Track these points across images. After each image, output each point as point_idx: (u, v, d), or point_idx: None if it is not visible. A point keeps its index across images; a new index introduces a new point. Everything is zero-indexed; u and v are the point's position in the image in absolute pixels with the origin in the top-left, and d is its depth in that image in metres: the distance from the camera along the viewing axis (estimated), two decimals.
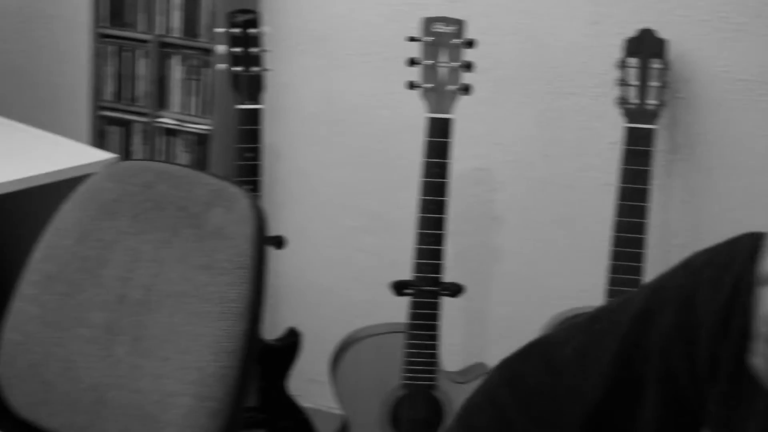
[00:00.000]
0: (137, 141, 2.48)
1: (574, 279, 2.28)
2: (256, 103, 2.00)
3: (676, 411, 1.01)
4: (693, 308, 0.97)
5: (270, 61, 2.07)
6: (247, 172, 2.03)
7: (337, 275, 2.50)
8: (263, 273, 1.52)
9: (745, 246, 0.83)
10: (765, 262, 0.75)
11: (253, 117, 2.01)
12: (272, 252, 2.48)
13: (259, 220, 1.50)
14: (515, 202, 2.32)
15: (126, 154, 2.46)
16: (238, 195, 1.49)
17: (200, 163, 2.45)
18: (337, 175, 2.42)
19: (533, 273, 2.33)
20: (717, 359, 0.94)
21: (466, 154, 2.30)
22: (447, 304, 2.39)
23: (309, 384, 2.52)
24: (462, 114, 2.23)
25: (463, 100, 1.98)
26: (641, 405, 1.02)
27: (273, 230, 2.36)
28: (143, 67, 2.42)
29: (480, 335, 2.43)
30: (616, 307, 1.07)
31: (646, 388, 1.02)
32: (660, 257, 2.14)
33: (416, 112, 1.98)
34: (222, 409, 1.43)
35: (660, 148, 2.14)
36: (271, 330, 2.35)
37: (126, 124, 2.48)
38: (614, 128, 2.04)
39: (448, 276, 2.10)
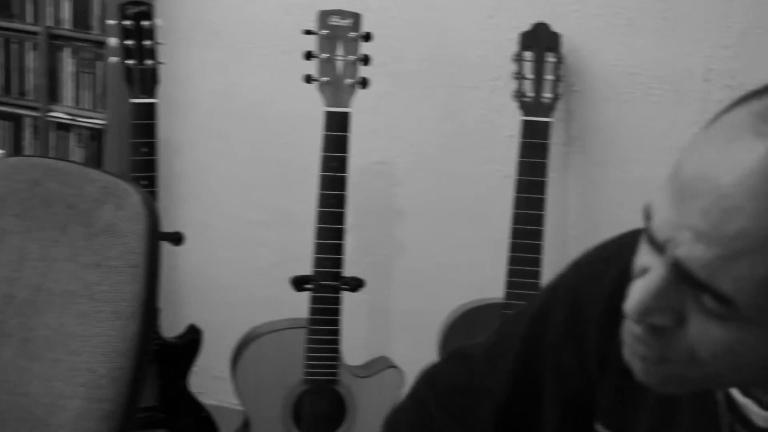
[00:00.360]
0: (28, 136, 2.40)
1: (476, 271, 2.30)
2: (151, 97, 1.96)
3: (572, 407, 1.03)
4: (580, 305, 1.00)
5: (165, 54, 2.03)
6: (143, 167, 1.99)
7: (239, 271, 2.47)
8: (156, 271, 1.48)
9: (629, 241, 0.84)
10: (638, 257, 0.76)
11: (148, 111, 1.97)
12: (171, 249, 2.43)
13: (152, 217, 1.46)
14: (417, 196, 2.33)
15: (16, 149, 2.39)
16: (129, 191, 1.45)
17: (95, 159, 2.39)
18: (237, 170, 2.38)
19: (435, 266, 2.34)
20: (605, 354, 0.96)
21: (367, 148, 2.30)
22: (350, 298, 2.39)
23: (213, 381, 2.49)
24: (362, 108, 2.22)
25: (362, 94, 1.97)
26: (542, 402, 1.05)
27: (172, 226, 2.32)
28: (32, 60, 2.34)
29: (383, 329, 2.43)
30: (522, 308, 1.10)
31: (545, 386, 1.04)
32: (558, 248, 2.18)
33: (316, 106, 1.97)
34: (115, 410, 1.39)
35: (556, 141, 2.18)
36: (173, 327, 2.30)
37: (16, 119, 2.40)
38: (513, 121, 2.06)
39: (350, 270, 2.09)
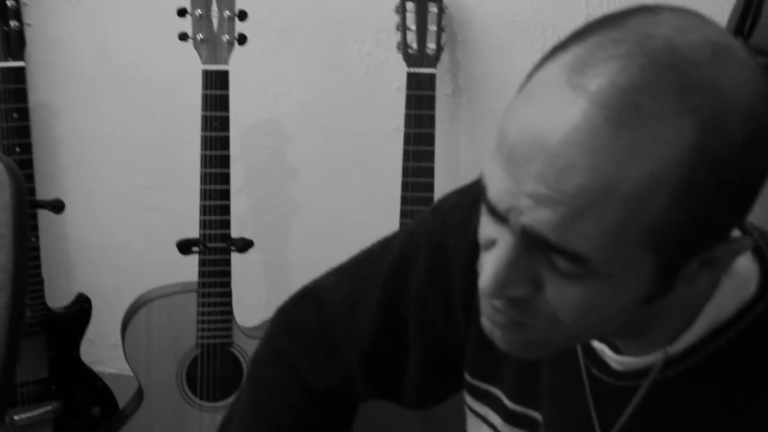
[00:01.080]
0: None
1: (369, 226, 2.29)
2: (18, 60, 1.88)
3: (438, 354, 1.04)
4: (444, 252, 0.99)
5: (34, 15, 1.95)
6: (15, 133, 1.92)
7: (130, 236, 2.42)
8: (25, 241, 1.43)
9: None
10: (482, 228, 0.75)
11: (16, 75, 1.89)
12: (58, 217, 2.37)
13: (17, 185, 1.41)
14: (307, 153, 2.30)
15: None
16: None
17: None
18: (121, 133, 2.31)
19: (330, 222, 2.33)
20: (470, 302, 0.96)
21: (253, 106, 2.26)
22: (247, 259, 2.36)
23: (111, 349, 2.44)
24: (246, 65, 2.18)
25: (243, 51, 1.92)
26: (409, 348, 1.04)
27: (56, 193, 2.25)
28: None
29: (282, 288, 2.41)
30: (378, 251, 1.07)
31: (410, 333, 1.04)
32: None
33: (196, 65, 1.91)
34: None
35: (444, 92, 2.17)
36: (65, 297, 2.25)
37: None
38: (400, 73, 2.04)
39: (245, 231, 2.06)
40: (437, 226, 1.00)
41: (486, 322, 0.78)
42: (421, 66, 1.99)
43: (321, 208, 2.32)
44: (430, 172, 2.01)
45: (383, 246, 1.07)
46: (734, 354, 0.78)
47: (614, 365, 0.84)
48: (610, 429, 0.85)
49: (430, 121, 2.00)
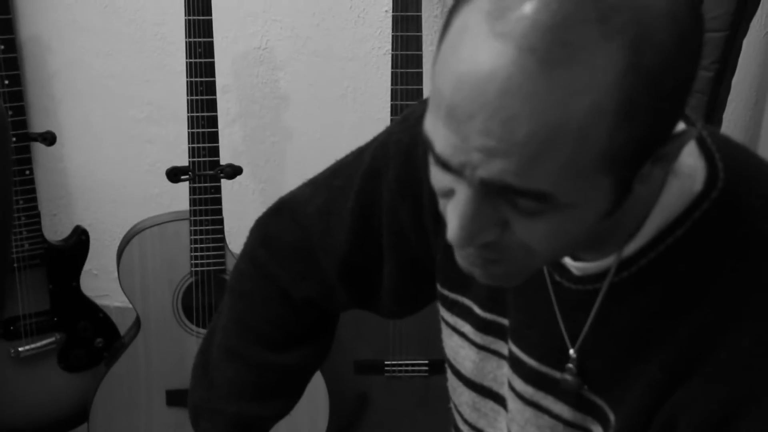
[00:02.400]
0: None
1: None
2: None
3: (411, 262, 1.05)
4: (413, 162, 0.99)
5: None
6: (3, 65, 1.92)
7: (128, 169, 2.43)
8: (8, 176, 1.44)
9: None
10: (434, 176, 0.76)
11: (2, 6, 1.88)
12: (55, 152, 2.39)
13: (1, 123, 1.41)
14: (299, 80, 2.29)
15: None
16: None
17: None
18: (114, 65, 2.31)
19: (323, 148, 2.32)
20: (438, 213, 0.97)
21: (244, 34, 2.25)
22: (243, 187, 2.38)
23: (115, 282, 2.47)
24: None
25: None
26: (383, 256, 1.06)
27: (51, 126, 2.26)
28: None
29: None
30: (351, 162, 1.08)
31: (383, 242, 1.05)
32: None
33: None
34: None
35: (431, 14, 2.14)
36: (66, 231, 2.27)
37: None
38: None
39: (241, 160, 2.07)
40: (405, 137, 1.01)
41: (462, 262, 0.79)
42: None
43: (314, 134, 2.32)
44: (419, 95, 1.99)
45: (355, 157, 1.08)
46: (682, 251, 0.79)
47: (574, 271, 0.86)
48: (578, 334, 0.87)
49: (417, 43, 1.98)
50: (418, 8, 1.97)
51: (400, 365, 2.10)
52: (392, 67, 1.99)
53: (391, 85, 2.00)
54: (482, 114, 0.64)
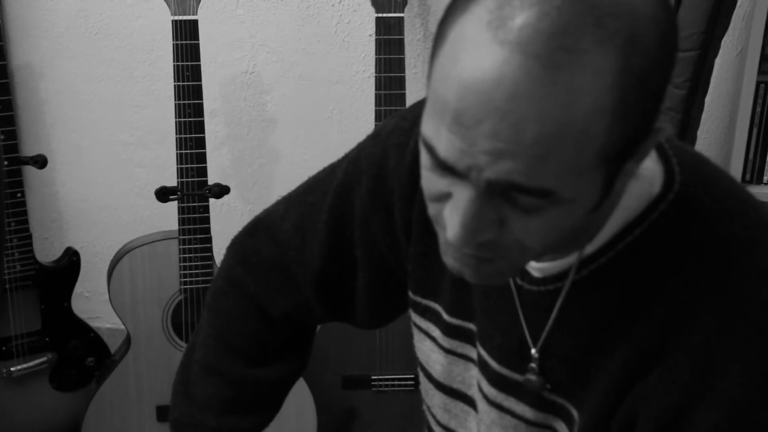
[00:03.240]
0: None
1: None
2: None
3: (384, 273, 1.08)
4: (385, 176, 1.02)
5: None
6: None
7: (119, 192, 2.48)
8: (0, 200, 1.48)
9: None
10: (428, 182, 0.78)
11: None
12: (48, 177, 2.43)
13: None
14: (285, 102, 2.34)
15: None
16: None
17: None
18: (104, 91, 2.36)
19: (309, 169, 2.34)
20: (410, 222, 1.01)
21: (231, 59, 2.30)
22: (231, 208, 2.42)
23: (107, 305, 2.50)
24: (221, 18, 2.23)
25: (219, 4, 1.95)
26: (356, 268, 1.09)
27: (43, 152, 2.30)
28: None
29: None
30: (323, 178, 1.11)
31: (357, 254, 1.08)
32: None
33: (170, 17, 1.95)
34: None
35: (414, 37, 2.20)
36: (58, 254, 2.31)
37: None
38: (371, 21, 2.08)
39: (230, 182, 2.11)
40: (377, 151, 1.04)
41: (453, 264, 0.81)
42: (390, 11, 2.02)
43: (300, 156, 2.37)
44: None
45: (328, 173, 1.11)
46: (640, 250, 0.83)
47: (534, 273, 0.89)
48: (540, 335, 0.90)
49: (400, 65, 2.04)
50: (401, 32, 2.03)
51: (387, 380, 2.14)
52: (376, 89, 2.05)
53: (375, 106, 2.05)
54: (491, 119, 0.67)
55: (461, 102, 0.67)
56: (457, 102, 0.68)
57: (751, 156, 2.01)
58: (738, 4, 1.89)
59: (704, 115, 1.97)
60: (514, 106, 0.66)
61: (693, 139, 1.98)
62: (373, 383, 2.14)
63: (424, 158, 0.75)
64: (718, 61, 1.92)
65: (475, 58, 0.67)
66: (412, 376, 2.13)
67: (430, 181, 0.76)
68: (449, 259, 0.81)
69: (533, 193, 0.70)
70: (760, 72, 1.94)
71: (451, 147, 0.70)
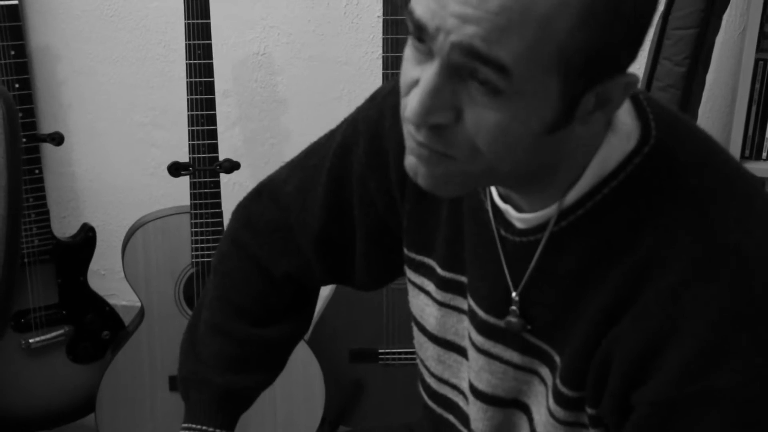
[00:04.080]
0: None
1: None
2: None
3: (381, 231, 1.12)
4: (381, 136, 1.07)
5: None
6: (14, 70, 2.02)
7: (134, 172, 2.54)
8: (18, 172, 1.52)
9: None
10: (403, 76, 0.83)
11: (12, 13, 1.99)
12: (64, 156, 2.50)
13: (8, 106, 1.50)
14: (296, 84, 2.39)
15: None
16: None
17: None
18: (119, 72, 2.42)
19: None
20: (404, 179, 1.05)
21: (243, 40, 2.36)
22: (243, 187, 2.47)
23: (122, 282, 2.56)
24: (233, 0, 2.28)
25: None
26: (355, 227, 1.13)
27: (59, 131, 2.36)
28: None
29: None
30: (324, 142, 1.16)
31: (355, 214, 1.12)
32: None
33: None
34: None
35: None
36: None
37: None
38: (379, 1, 2.12)
39: (242, 161, 2.16)
40: (374, 113, 1.09)
41: (410, 160, 0.85)
42: None
43: (311, 135, 2.39)
44: None
45: (328, 137, 1.16)
46: (617, 201, 0.87)
47: (517, 224, 0.94)
48: (519, 283, 0.95)
49: (405, 44, 2.07)
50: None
51: (394, 353, 2.19)
52: (383, 69, 2.09)
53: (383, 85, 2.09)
54: None
55: None
56: None
57: (750, 132, 2.04)
58: None
59: (705, 93, 2.01)
60: None
61: (694, 116, 2.01)
62: (380, 357, 2.19)
63: (407, 50, 0.81)
64: (719, 39, 1.95)
65: None
66: None
67: (406, 71, 0.81)
68: (408, 158, 0.85)
69: (491, 64, 0.73)
70: (759, 50, 1.97)
71: (426, 7, 0.75)
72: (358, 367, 2.20)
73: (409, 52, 0.81)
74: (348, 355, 2.20)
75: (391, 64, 2.09)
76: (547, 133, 0.79)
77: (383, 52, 2.08)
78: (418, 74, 0.79)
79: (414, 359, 2.17)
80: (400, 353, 2.19)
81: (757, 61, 1.97)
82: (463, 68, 0.76)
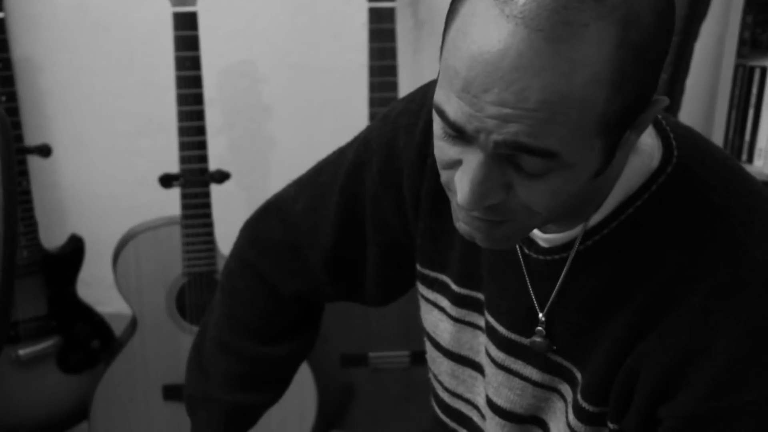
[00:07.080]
0: None
1: None
2: None
3: (393, 249, 1.13)
4: (395, 155, 1.08)
5: None
6: (0, 83, 2.02)
7: (119, 182, 2.53)
8: (14, 188, 1.52)
9: (433, 93, 0.89)
10: (439, 151, 0.83)
11: None
12: (49, 167, 2.49)
13: (4, 133, 1.50)
14: (280, 91, 2.41)
15: None
16: None
17: None
18: (103, 83, 2.42)
19: (304, 155, 2.41)
20: (419, 199, 1.06)
21: (228, 49, 2.37)
22: (230, 194, 2.48)
23: (109, 290, 2.57)
24: (218, 9, 2.29)
25: None
26: (367, 246, 1.14)
27: (43, 141, 2.36)
28: None
29: None
30: (334, 160, 1.16)
31: (367, 232, 1.13)
32: None
33: (169, 9, 2.01)
34: None
35: (405, 26, 2.27)
36: (61, 242, 2.37)
37: None
38: (363, 11, 2.14)
39: (227, 168, 2.17)
40: (387, 132, 1.09)
41: (464, 228, 0.86)
42: (382, 1, 2.09)
43: (296, 142, 2.44)
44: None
45: (338, 155, 1.16)
46: (641, 220, 0.88)
47: (542, 243, 0.95)
48: (546, 301, 0.96)
49: (392, 54, 2.11)
50: (393, 21, 2.10)
51: (383, 357, 2.22)
52: (369, 77, 2.12)
53: (369, 93, 2.12)
54: (497, 87, 0.72)
55: (470, 71, 0.73)
56: (466, 71, 0.73)
57: (730, 137, 2.09)
58: None
59: (685, 98, 2.05)
60: (518, 76, 0.71)
61: None
62: (370, 360, 2.22)
63: (437, 127, 0.81)
64: (698, 45, 2.00)
65: (483, 31, 0.72)
66: (408, 353, 2.21)
67: (442, 149, 0.81)
68: (460, 224, 0.86)
69: (538, 153, 0.74)
70: (739, 56, 2.01)
71: (460, 112, 0.75)
72: (349, 371, 2.23)
73: (439, 130, 0.80)
74: (339, 359, 2.22)
75: (377, 72, 2.11)
76: (593, 180, 0.82)
77: (369, 61, 2.11)
78: (458, 155, 0.80)
79: (403, 362, 2.21)
80: (389, 356, 2.22)
81: (737, 66, 2.01)
82: (510, 155, 0.77)
